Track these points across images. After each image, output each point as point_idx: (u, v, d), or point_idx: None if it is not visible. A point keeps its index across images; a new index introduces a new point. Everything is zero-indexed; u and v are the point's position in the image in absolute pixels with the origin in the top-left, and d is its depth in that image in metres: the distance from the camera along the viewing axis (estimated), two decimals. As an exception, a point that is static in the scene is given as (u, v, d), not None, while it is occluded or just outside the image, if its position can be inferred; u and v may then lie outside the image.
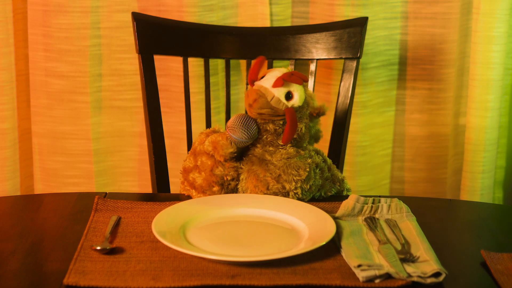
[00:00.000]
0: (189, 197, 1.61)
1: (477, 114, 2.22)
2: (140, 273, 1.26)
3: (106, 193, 1.61)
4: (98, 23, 2.18)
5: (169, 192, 1.98)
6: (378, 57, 2.26)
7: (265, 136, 1.58)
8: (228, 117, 2.02)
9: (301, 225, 1.45)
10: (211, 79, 2.21)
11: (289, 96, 1.56)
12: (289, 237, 1.42)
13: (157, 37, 1.97)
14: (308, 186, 1.56)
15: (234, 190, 1.60)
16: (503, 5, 2.15)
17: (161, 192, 1.95)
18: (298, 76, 1.57)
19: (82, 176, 2.28)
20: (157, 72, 2.15)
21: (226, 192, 1.59)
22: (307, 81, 1.60)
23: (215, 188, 1.58)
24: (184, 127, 2.23)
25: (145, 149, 2.29)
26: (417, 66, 2.28)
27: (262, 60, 1.60)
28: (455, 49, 2.26)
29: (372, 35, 2.23)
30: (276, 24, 2.23)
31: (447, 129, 2.33)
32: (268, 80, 1.56)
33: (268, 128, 1.58)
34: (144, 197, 1.71)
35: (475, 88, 2.21)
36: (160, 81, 2.17)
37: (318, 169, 1.60)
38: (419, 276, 1.26)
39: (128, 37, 2.20)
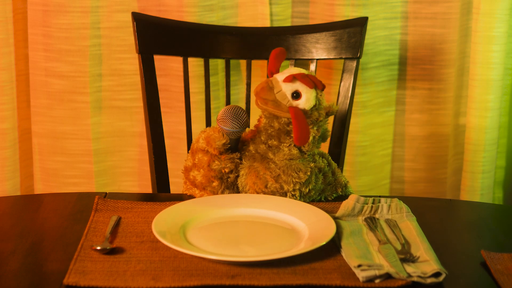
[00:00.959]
0: (190, 197, 1.62)
1: (477, 114, 2.22)
2: (140, 273, 1.26)
3: (106, 193, 1.61)
4: (98, 23, 2.18)
5: (169, 192, 1.98)
6: (378, 57, 2.26)
7: (270, 131, 1.58)
8: (228, 117, 2.02)
9: (301, 225, 1.45)
10: (211, 79, 2.21)
11: (296, 95, 1.55)
12: (289, 237, 1.42)
13: (157, 37, 1.97)
14: (307, 190, 1.56)
15: (234, 184, 1.60)
16: (503, 5, 2.15)
17: (161, 192, 1.95)
18: (312, 79, 1.56)
19: (82, 176, 2.28)
20: (157, 72, 2.15)
21: (227, 186, 1.60)
22: (322, 89, 1.57)
23: (215, 183, 1.59)
24: (184, 127, 2.23)
25: (145, 149, 2.29)
26: (417, 66, 2.28)
27: (281, 52, 1.61)
28: (455, 49, 2.26)
29: (372, 35, 2.23)
30: (276, 24, 2.23)
31: (447, 129, 2.33)
32: (284, 74, 1.57)
33: (273, 124, 1.58)
34: (144, 197, 1.71)
35: (475, 88, 2.21)
36: (160, 81, 2.17)
37: (321, 174, 1.60)
38: (419, 276, 1.26)
39: (128, 37, 2.20)
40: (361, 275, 1.25)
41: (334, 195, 1.63)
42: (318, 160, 1.61)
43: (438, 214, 1.57)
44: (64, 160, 2.26)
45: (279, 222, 1.48)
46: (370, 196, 1.55)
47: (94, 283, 1.22)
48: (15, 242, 1.38)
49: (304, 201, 1.56)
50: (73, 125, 2.24)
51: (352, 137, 2.27)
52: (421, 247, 1.35)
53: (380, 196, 1.56)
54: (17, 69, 2.21)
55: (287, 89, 1.55)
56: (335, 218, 1.48)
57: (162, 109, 2.06)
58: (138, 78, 2.22)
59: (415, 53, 2.27)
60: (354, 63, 1.98)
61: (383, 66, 2.27)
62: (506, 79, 2.27)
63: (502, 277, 1.27)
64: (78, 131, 2.25)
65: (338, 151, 1.98)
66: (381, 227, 1.45)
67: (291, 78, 1.55)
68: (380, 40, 2.25)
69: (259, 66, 2.23)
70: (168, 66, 2.23)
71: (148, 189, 2.32)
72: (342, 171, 2.03)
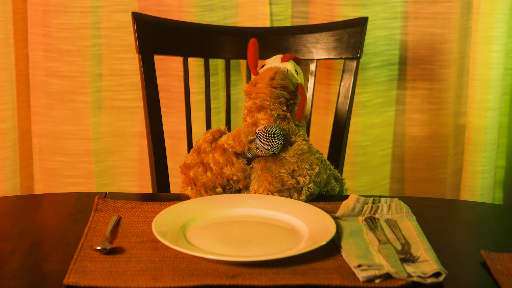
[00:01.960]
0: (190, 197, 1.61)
1: (477, 114, 2.22)
2: (140, 273, 1.26)
3: (106, 193, 1.61)
4: (98, 23, 2.18)
5: (169, 192, 1.98)
6: (378, 57, 2.26)
7: (278, 122, 1.61)
8: (228, 117, 2.02)
9: (301, 225, 1.45)
10: (211, 79, 2.21)
11: (296, 72, 1.63)
12: (289, 237, 1.42)
13: (157, 37, 1.97)
14: (319, 180, 1.57)
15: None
16: (503, 5, 2.15)
17: (161, 192, 1.95)
18: (296, 56, 1.67)
19: (82, 176, 2.28)
20: (157, 72, 2.15)
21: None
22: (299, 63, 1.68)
23: (218, 189, 1.58)
24: (184, 127, 2.23)
25: (145, 149, 2.29)
26: (417, 66, 2.28)
27: (255, 42, 1.66)
28: (455, 49, 2.26)
29: (372, 35, 2.23)
30: (276, 24, 2.23)
31: (447, 129, 2.33)
32: (273, 62, 1.61)
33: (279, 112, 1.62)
34: (144, 197, 1.71)
35: (475, 88, 2.21)
36: (160, 81, 2.17)
37: (322, 164, 1.61)
38: (419, 276, 1.26)
39: (128, 37, 2.20)
40: (361, 275, 1.25)
41: (337, 187, 1.64)
42: (315, 151, 1.64)
43: (438, 214, 1.57)
44: (64, 160, 2.26)
45: (279, 222, 1.48)
46: (370, 196, 1.55)
47: (94, 283, 1.23)
48: (15, 242, 1.38)
49: (316, 193, 1.58)
50: (73, 125, 2.24)
51: (352, 137, 2.27)
52: (421, 247, 1.35)
53: (380, 196, 1.56)
54: (17, 69, 2.21)
55: (291, 67, 1.63)
56: (335, 218, 1.48)
57: (162, 109, 2.06)
58: (138, 78, 2.22)
59: (415, 53, 2.27)
60: (354, 63, 1.98)
61: (383, 66, 2.28)
62: (506, 79, 2.27)
63: (502, 277, 1.27)
64: (78, 131, 2.25)
65: (338, 151, 1.98)
66: (381, 227, 1.45)
67: (290, 56, 1.63)
68: (380, 40, 2.25)
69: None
70: (168, 66, 2.23)
71: (148, 189, 2.32)
72: (342, 171, 2.03)
